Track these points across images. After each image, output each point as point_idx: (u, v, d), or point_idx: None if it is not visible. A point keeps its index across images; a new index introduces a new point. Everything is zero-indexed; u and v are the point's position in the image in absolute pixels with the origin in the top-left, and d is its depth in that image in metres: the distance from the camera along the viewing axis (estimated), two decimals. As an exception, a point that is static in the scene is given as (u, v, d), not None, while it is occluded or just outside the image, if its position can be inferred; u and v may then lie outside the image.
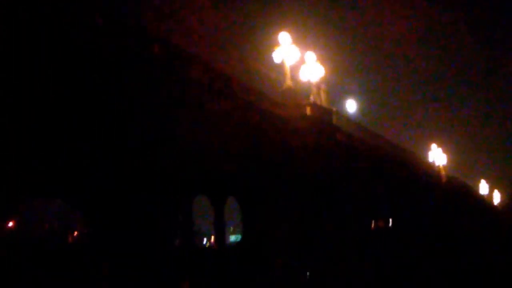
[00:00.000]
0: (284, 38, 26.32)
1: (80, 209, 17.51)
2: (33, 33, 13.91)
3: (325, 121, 27.34)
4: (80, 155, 15.69)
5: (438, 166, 51.18)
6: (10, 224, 20.68)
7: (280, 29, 26.79)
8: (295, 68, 27.22)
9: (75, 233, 25.37)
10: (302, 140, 25.75)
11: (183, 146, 19.38)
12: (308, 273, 23.33)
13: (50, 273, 17.43)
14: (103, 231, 17.06)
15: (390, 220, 39.60)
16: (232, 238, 32.83)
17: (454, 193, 51.92)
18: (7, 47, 13.13)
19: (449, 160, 53.17)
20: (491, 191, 76.08)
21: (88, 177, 16.02)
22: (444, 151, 52.85)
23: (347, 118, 33.78)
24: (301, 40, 27.77)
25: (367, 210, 33.45)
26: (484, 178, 73.32)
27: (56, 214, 25.51)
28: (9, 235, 20.04)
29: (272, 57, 26.42)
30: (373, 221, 37.62)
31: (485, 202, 71.91)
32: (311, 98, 27.49)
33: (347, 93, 45.37)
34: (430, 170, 49.17)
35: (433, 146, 52.27)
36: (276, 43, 26.38)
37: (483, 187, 72.24)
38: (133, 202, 17.00)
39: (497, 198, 78.67)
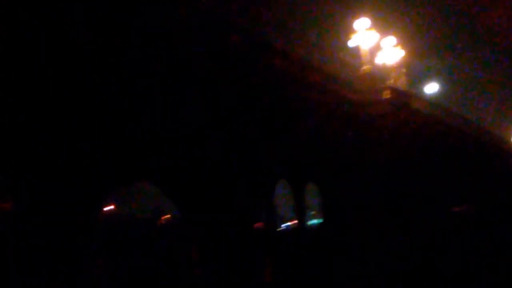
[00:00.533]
0: (362, 23, 26.17)
1: (170, 195, 18.46)
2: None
3: (403, 104, 27.03)
4: (170, 145, 16.65)
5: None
6: (110, 207, 21.91)
7: (359, 15, 26.58)
8: (373, 53, 27.07)
9: (166, 216, 26.69)
10: (379, 125, 25.67)
11: (264, 133, 20.05)
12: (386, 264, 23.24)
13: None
14: (192, 214, 18.02)
15: (473, 205, 38.56)
16: (314, 221, 33.18)
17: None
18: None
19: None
20: None
21: (178, 163, 16.97)
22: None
23: (428, 101, 33.08)
24: (381, 24, 27.53)
25: (448, 195, 32.82)
26: None
27: (150, 200, 26.77)
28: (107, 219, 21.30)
29: (351, 43, 26.37)
30: (454, 207, 36.79)
31: None
32: (390, 82, 27.23)
33: (429, 75, 44.20)
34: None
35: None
36: (354, 30, 26.28)
37: None
38: (219, 188, 17.84)
39: None
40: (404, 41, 29.09)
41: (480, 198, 37.56)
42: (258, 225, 20.46)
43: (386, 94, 26.08)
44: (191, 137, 17.16)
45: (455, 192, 34.03)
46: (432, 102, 33.66)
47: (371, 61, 26.92)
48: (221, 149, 18.14)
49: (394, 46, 28.21)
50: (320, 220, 26.97)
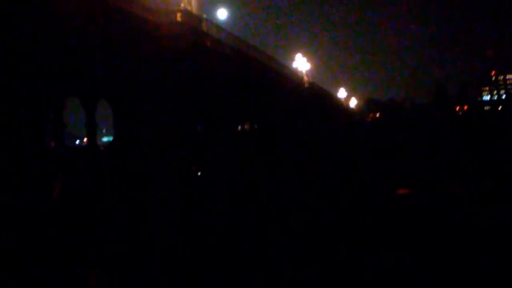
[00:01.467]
0: None
1: None
2: None
3: (195, 27, 27.96)
4: None
5: (301, 71, 54.24)
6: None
7: None
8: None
9: None
10: (173, 45, 26.28)
11: (54, 43, 19.25)
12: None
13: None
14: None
15: (256, 123, 42.02)
16: (105, 139, 33.23)
17: (315, 95, 55.84)
18: None
19: (313, 69, 56.77)
20: (349, 97, 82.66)
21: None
22: (309, 60, 56.08)
23: (218, 26, 34.41)
24: None
25: (235, 114, 35.26)
26: (344, 86, 79.36)
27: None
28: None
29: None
30: (241, 125, 39.72)
31: (343, 105, 78.05)
32: (182, 5, 27.72)
33: (219, 1, 45.41)
34: (294, 76, 51.96)
35: (298, 55, 55.12)
36: None
37: (342, 93, 78.14)
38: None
39: (353, 103, 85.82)
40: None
41: (263, 116, 41.04)
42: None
43: (179, 17, 26.65)
44: None
45: (241, 111, 36.66)
46: (221, 27, 35.08)
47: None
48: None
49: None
50: (111, 138, 27.21)
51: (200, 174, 19.12)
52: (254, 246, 8.97)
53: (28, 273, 8.58)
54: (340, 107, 75.35)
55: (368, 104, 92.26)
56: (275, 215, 11.73)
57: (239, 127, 41.58)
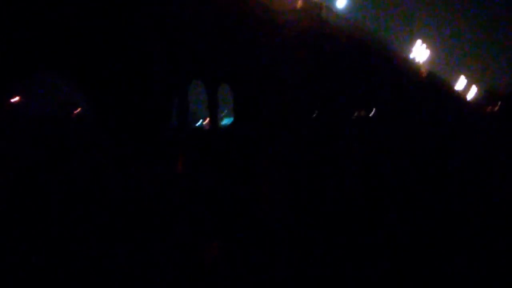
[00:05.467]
0: None
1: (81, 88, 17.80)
2: None
3: (314, 15, 27.40)
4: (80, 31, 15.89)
5: (419, 62, 51.66)
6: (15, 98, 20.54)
7: None
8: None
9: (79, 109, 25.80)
10: (291, 32, 25.98)
11: (179, 30, 19.68)
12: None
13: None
14: (102, 107, 17.47)
15: (373, 109, 40.65)
16: (225, 120, 33.83)
17: (432, 86, 52.89)
18: None
19: (432, 56, 53.77)
20: (468, 86, 77.82)
21: (87, 51, 16.25)
22: (428, 47, 53.12)
23: (337, 13, 33.46)
24: None
25: (352, 100, 34.24)
26: (463, 74, 74.68)
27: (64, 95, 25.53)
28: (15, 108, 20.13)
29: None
30: (357, 111, 38.59)
31: (460, 96, 73.52)
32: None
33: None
34: (412, 66, 49.56)
35: (418, 42, 52.43)
36: None
37: (461, 82, 73.67)
38: (130, 81, 17.42)
39: (473, 92, 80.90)
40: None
41: (379, 104, 39.63)
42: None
43: (299, 4, 26.28)
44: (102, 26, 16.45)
45: (353, 97, 35.55)
46: (340, 15, 34.06)
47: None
48: (133, 45, 17.60)
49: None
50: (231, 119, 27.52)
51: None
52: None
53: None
54: (458, 98, 70.82)
55: (487, 96, 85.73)
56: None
57: (356, 114, 40.29)
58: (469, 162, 20.76)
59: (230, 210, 11.22)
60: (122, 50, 17.27)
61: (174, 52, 19.66)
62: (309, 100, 27.82)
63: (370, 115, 40.99)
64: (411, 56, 51.18)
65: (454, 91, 70.05)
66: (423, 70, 51.35)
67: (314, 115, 29.90)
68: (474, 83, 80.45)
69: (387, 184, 14.98)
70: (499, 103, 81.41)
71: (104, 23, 16.60)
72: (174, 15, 19.46)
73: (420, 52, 52.29)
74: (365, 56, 34.66)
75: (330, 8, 31.78)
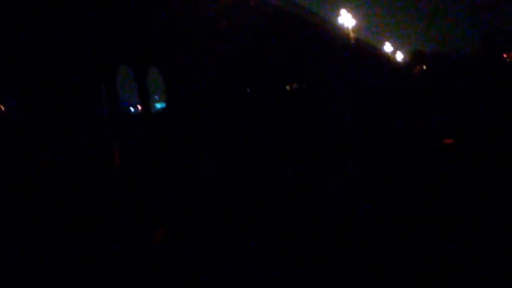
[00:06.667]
0: None
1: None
2: None
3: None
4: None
5: (347, 27, 52.24)
6: None
7: None
8: None
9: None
10: (220, 10, 25.70)
11: (108, 17, 19.00)
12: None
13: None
14: (30, 105, 16.82)
15: (304, 83, 41.04)
16: (158, 106, 33.21)
17: (360, 51, 54.00)
18: None
19: (357, 24, 54.44)
20: (394, 52, 79.91)
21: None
22: (354, 16, 53.78)
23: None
24: None
25: (281, 74, 34.42)
26: (389, 40, 76.72)
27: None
28: None
29: None
30: (287, 85, 38.87)
31: (389, 59, 75.52)
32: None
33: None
34: (339, 32, 50.19)
35: (343, 11, 52.91)
36: None
37: (388, 48, 75.46)
38: (56, 72, 16.78)
39: (399, 57, 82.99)
40: None
41: (309, 75, 40.02)
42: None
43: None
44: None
45: (287, 72, 35.80)
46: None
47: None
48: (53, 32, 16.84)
49: None
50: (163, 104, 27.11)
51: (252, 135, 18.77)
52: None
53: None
54: (387, 62, 72.78)
55: (413, 57, 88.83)
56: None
57: (288, 87, 40.67)
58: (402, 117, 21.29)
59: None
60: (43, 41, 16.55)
61: (97, 38, 18.99)
62: (240, 78, 27.74)
63: (304, 87, 41.49)
64: (339, 22, 51.84)
65: (383, 55, 72.04)
66: (351, 35, 52.18)
67: (246, 92, 29.92)
68: (400, 49, 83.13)
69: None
70: (425, 62, 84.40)
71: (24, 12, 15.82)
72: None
73: (346, 20, 52.99)
74: (292, 26, 34.83)
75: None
